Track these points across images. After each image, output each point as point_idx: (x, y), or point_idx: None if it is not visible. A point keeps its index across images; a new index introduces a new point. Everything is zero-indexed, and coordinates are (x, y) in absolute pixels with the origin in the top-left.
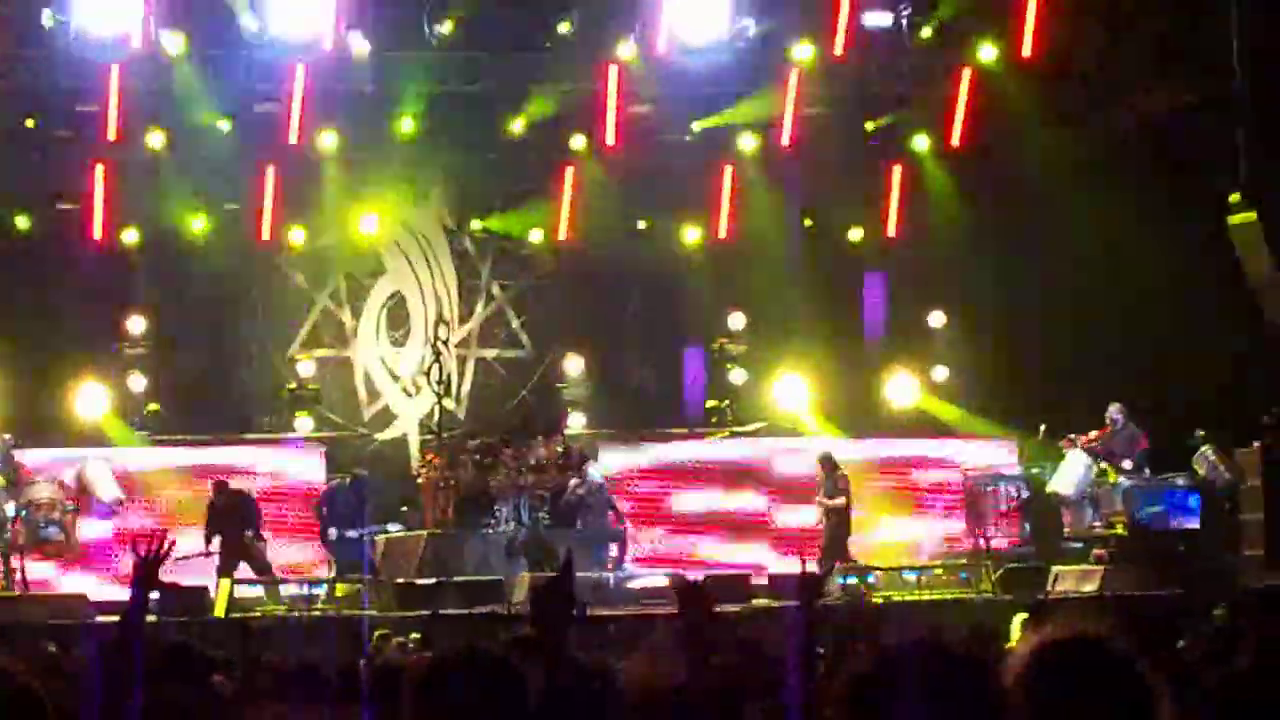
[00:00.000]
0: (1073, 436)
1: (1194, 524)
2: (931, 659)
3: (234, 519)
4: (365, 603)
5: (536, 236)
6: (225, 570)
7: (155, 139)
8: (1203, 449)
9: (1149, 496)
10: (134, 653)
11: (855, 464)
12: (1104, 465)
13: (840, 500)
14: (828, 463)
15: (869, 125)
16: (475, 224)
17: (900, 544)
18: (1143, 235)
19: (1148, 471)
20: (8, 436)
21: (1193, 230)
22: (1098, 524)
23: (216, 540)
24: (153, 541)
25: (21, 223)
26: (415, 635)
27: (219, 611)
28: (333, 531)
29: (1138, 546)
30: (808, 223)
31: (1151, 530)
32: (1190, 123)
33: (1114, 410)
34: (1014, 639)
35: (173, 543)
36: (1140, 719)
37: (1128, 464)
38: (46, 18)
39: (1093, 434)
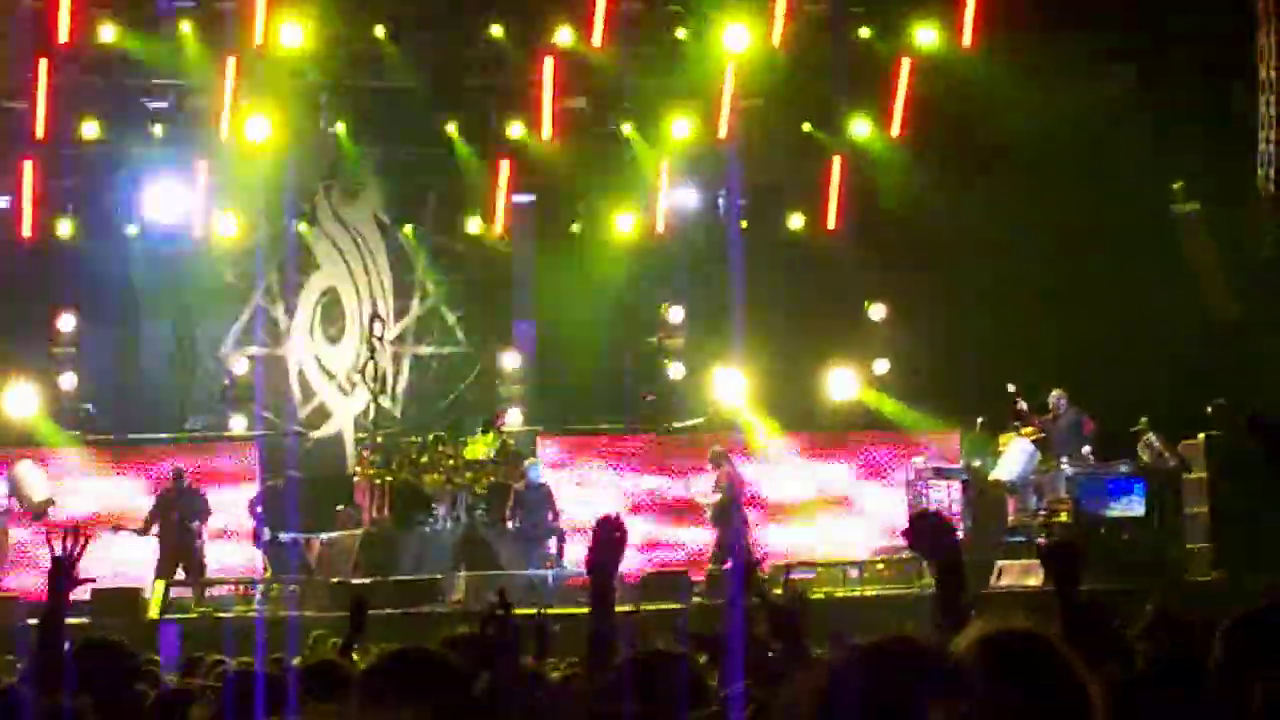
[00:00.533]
0: (1016, 424)
1: (1138, 510)
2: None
3: (183, 510)
4: (295, 604)
5: (471, 232)
6: (163, 571)
7: (90, 129)
8: (1146, 435)
9: (1093, 483)
10: (58, 653)
11: (795, 458)
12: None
13: (718, 497)
14: (715, 458)
15: (803, 115)
16: (407, 217)
17: (841, 539)
18: (1088, 223)
19: (1091, 458)
20: None
21: (1138, 218)
22: (1042, 511)
23: (155, 528)
24: (70, 539)
25: None
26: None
27: (153, 613)
28: (266, 532)
29: (1081, 534)
30: (744, 224)
31: (1094, 517)
32: (1135, 107)
33: (1055, 396)
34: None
35: (89, 538)
36: (1072, 715)
37: (1085, 450)
38: None
39: (1030, 428)
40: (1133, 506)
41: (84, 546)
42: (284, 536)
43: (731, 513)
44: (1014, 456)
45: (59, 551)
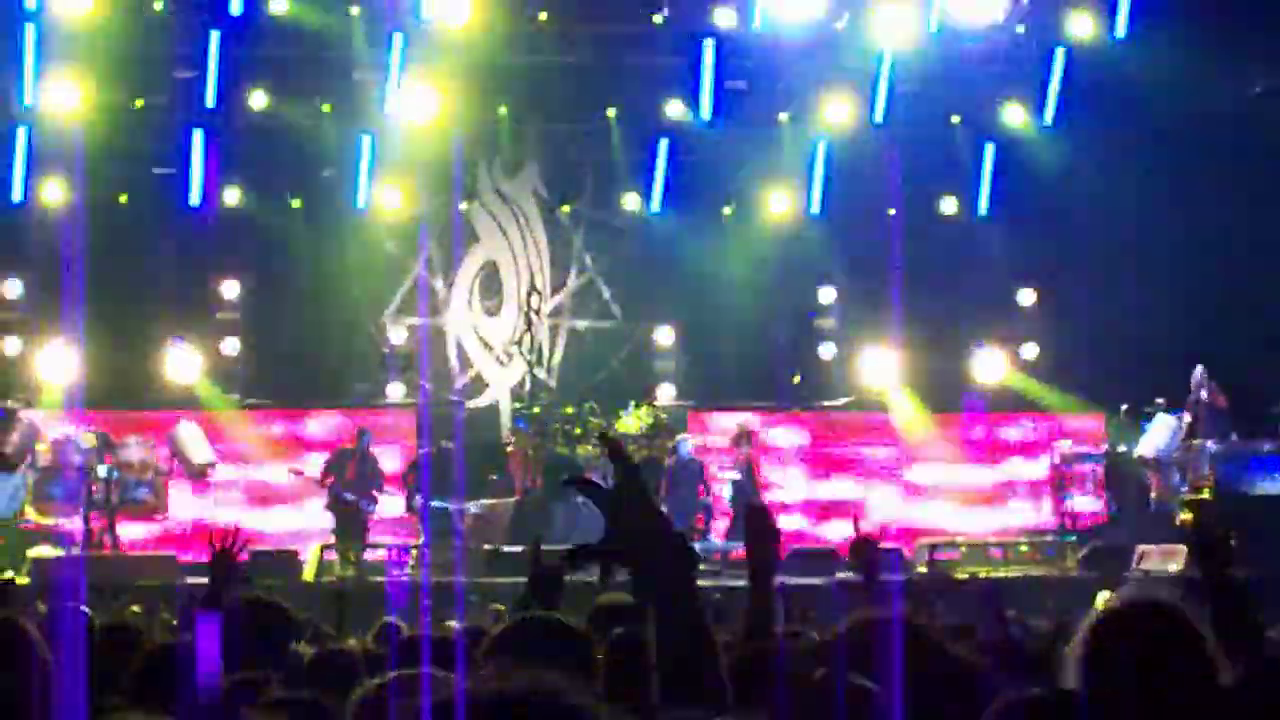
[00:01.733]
0: (1160, 401)
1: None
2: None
3: (359, 470)
4: (457, 569)
5: (629, 208)
6: (338, 533)
7: (258, 100)
8: None
9: (1236, 461)
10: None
11: (940, 439)
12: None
13: (735, 475)
14: (737, 438)
15: (957, 103)
16: (567, 193)
17: (986, 519)
18: (1242, 213)
19: (1234, 436)
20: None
21: None
22: (1184, 489)
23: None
24: (227, 538)
25: (120, 192)
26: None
27: (308, 575)
28: (419, 500)
29: (1223, 512)
30: (890, 211)
31: (1237, 495)
32: None
33: (1198, 373)
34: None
35: (246, 539)
36: (1200, 687)
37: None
38: None
39: (1186, 417)
40: (1276, 485)
41: (241, 546)
42: (438, 504)
43: (748, 494)
44: (1159, 432)
45: (216, 548)
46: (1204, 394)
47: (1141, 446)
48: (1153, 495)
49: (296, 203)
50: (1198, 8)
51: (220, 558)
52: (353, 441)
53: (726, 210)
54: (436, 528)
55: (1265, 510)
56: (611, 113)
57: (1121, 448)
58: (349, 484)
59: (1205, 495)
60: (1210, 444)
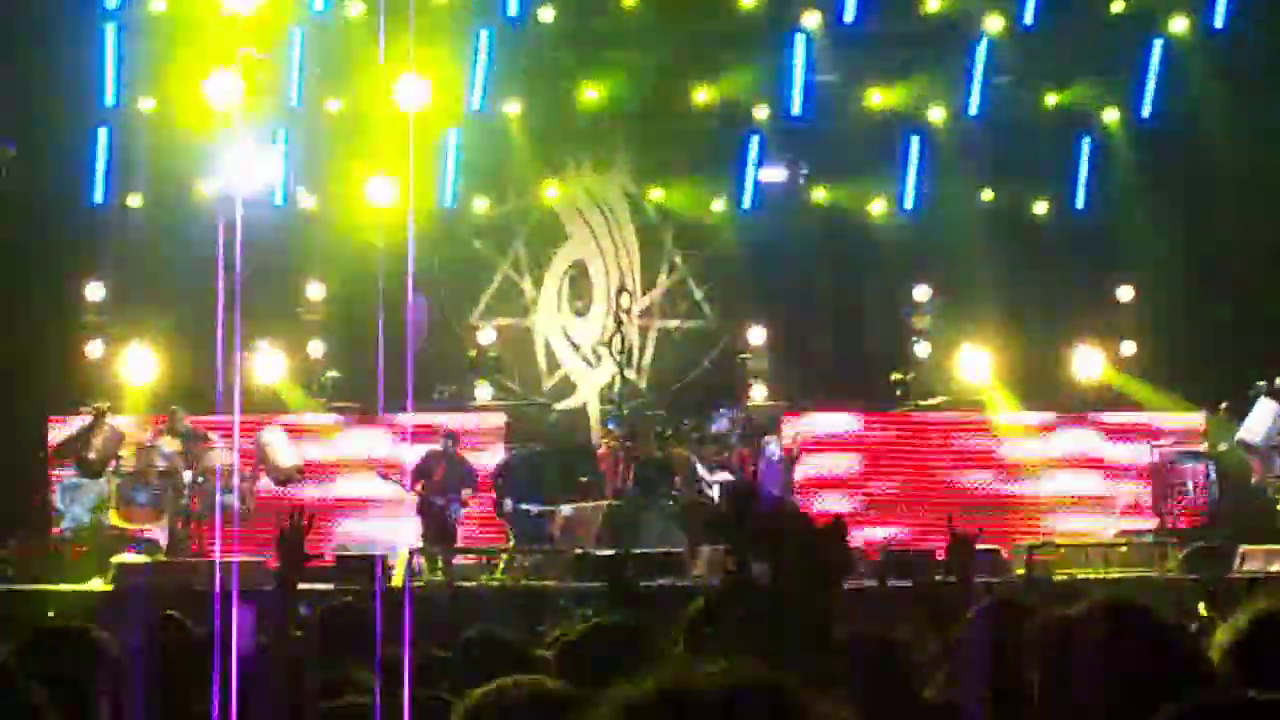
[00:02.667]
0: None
1: None
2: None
3: (447, 475)
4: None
5: (720, 207)
6: (427, 538)
7: (333, 104)
8: None
9: None
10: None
11: (1039, 438)
12: None
13: (724, 475)
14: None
15: (1053, 96)
16: (656, 191)
17: (1084, 520)
18: None
19: None
20: (176, 408)
21: None
22: None
23: (418, 487)
24: (297, 518)
25: (202, 188)
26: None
27: (397, 581)
28: (508, 503)
29: None
30: (988, 195)
31: None
32: None
33: None
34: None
35: (314, 516)
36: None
37: None
38: None
39: None
40: None
41: (310, 525)
42: (526, 506)
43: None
44: (1259, 417)
45: (286, 528)
46: None
47: (1243, 431)
48: (1253, 480)
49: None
50: None
51: (289, 541)
52: (439, 445)
53: (820, 207)
54: (526, 531)
55: None
56: (701, 108)
57: (1222, 446)
58: (436, 486)
59: None
60: None
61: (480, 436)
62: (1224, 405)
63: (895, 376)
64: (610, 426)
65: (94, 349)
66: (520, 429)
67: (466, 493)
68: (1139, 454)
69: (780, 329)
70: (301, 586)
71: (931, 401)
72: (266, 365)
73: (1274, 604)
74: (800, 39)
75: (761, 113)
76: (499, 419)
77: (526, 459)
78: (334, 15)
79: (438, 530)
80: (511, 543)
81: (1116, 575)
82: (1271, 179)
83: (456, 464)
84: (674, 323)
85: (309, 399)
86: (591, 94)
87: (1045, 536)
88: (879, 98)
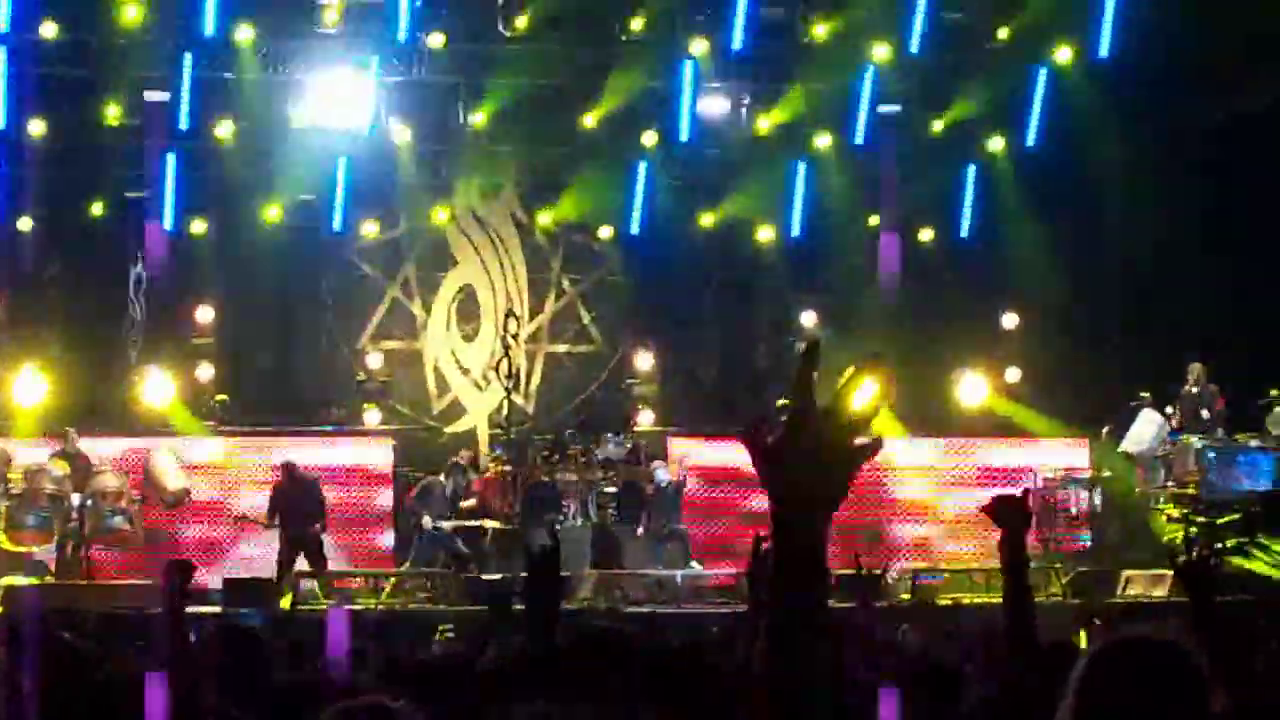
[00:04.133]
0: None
1: (1267, 486)
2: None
3: (300, 506)
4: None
5: (606, 232)
6: (286, 562)
7: (224, 129)
8: (1277, 409)
9: (1222, 457)
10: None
11: (923, 464)
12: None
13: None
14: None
15: (938, 124)
16: (544, 216)
17: (967, 545)
18: (1218, 231)
19: (1221, 432)
20: (71, 430)
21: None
22: (1170, 484)
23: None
24: (176, 574)
25: (96, 210)
26: (446, 626)
27: (285, 604)
28: (427, 521)
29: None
30: (874, 221)
31: (1223, 492)
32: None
33: (1194, 369)
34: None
35: (194, 568)
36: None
37: (1205, 414)
38: None
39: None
40: (1261, 482)
41: (188, 580)
42: (430, 526)
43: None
44: (1143, 427)
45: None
46: (1196, 389)
47: (1126, 442)
48: (1137, 491)
49: (272, 225)
50: (1177, 33)
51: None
52: (282, 477)
53: (707, 232)
54: (413, 554)
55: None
56: (590, 134)
57: (1106, 472)
58: (289, 518)
59: (1190, 490)
60: (1196, 440)
61: (368, 460)
62: (1107, 429)
63: (781, 403)
64: (497, 451)
65: None
66: (409, 452)
67: (318, 526)
68: (1023, 479)
69: (668, 354)
70: (191, 610)
71: None
72: (156, 388)
73: (1102, 644)
74: (689, 66)
75: (650, 139)
76: (387, 443)
77: (413, 483)
78: (225, 40)
79: (306, 555)
80: (412, 564)
81: (999, 600)
82: (1154, 205)
83: (303, 491)
84: (562, 347)
85: (198, 422)
86: (480, 118)
87: (930, 562)
88: (767, 124)
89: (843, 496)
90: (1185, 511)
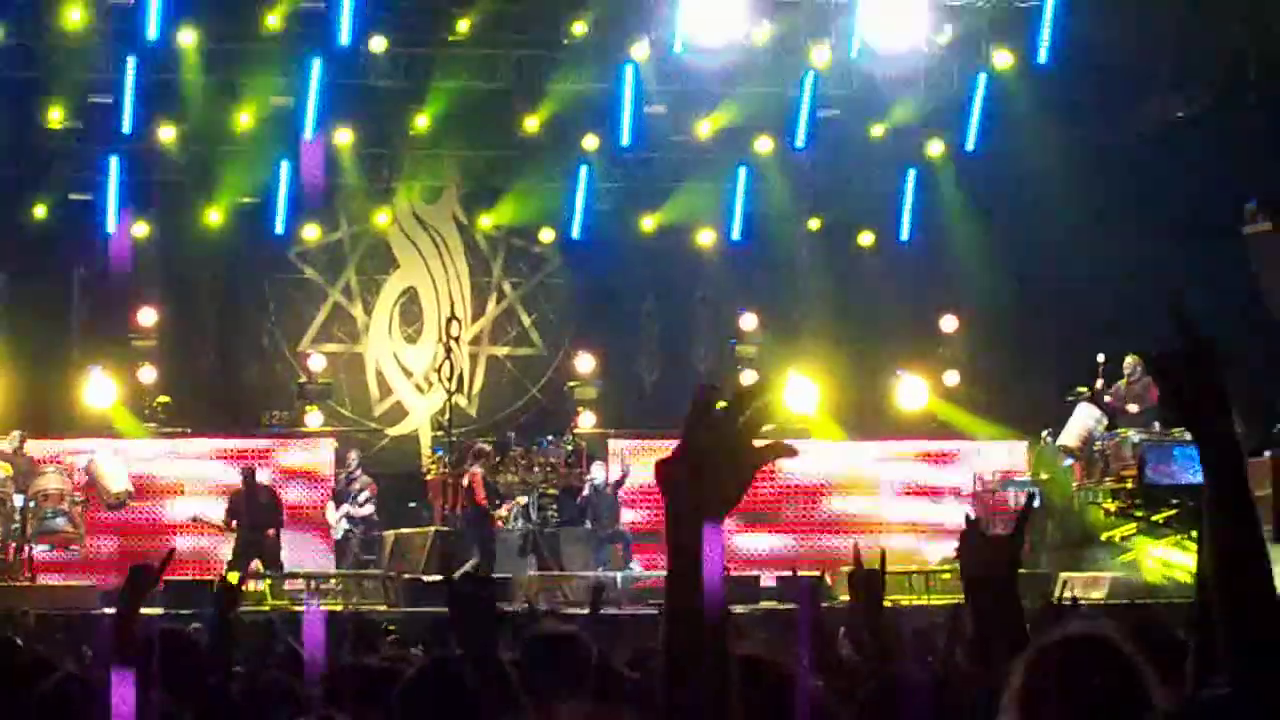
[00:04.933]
0: (1083, 390)
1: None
2: None
3: (257, 512)
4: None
5: (548, 236)
6: (237, 564)
7: (167, 132)
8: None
9: (1158, 450)
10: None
11: (862, 465)
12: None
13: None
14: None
15: (878, 129)
16: (486, 219)
17: (907, 548)
18: (1159, 238)
19: (1158, 426)
20: (17, 432)
21: (1207, 235)
22: (1108, 480)
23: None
24: (141, 579)
25: (39, 213)
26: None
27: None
28: (343, 527)
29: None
30: (814, 225)
31: (1158, 485)
32: (1211, 125)
33: (1130, 362)
34: None
35: (158, 579)
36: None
37: (1133, 408)
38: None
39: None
40: (1198, 475)
41: (162, 569)
42: (354, 530)
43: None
44: (1079, 420)
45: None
46: (1136, 385)
47: (1063, 436)
48: (1074, 486)
49: (214, 228)
50: (1117, 39)
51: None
52: (241, 484)
53: (648, 236)
54: (356, 556)
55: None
56: (531, 138)
57: (1044, 474)
58: (247, 520)
59: (1128, 485)
60: (1133, 433)
61: (311, 462)
62: (1046, 432)
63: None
64: (439, 453)
65: None
66: (350, 455)
67: (270, 532)
68: (962, 480)
69: (608, 357)
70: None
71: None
72: (99, 390)
73: (1042, 642)
74: (630, 70)
75: (591, 143)
76: (329, 444)
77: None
78: (167, 42)
79: (262, 560)
80: (340, 567)
81: (939, 602)
82: (1093, 208)
83: (260, 499)
84: (503, 350)
85: (140, 424)
86: (422, 121)
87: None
88: (708, 128)
89: (734, 503)
90: (1122, 505)
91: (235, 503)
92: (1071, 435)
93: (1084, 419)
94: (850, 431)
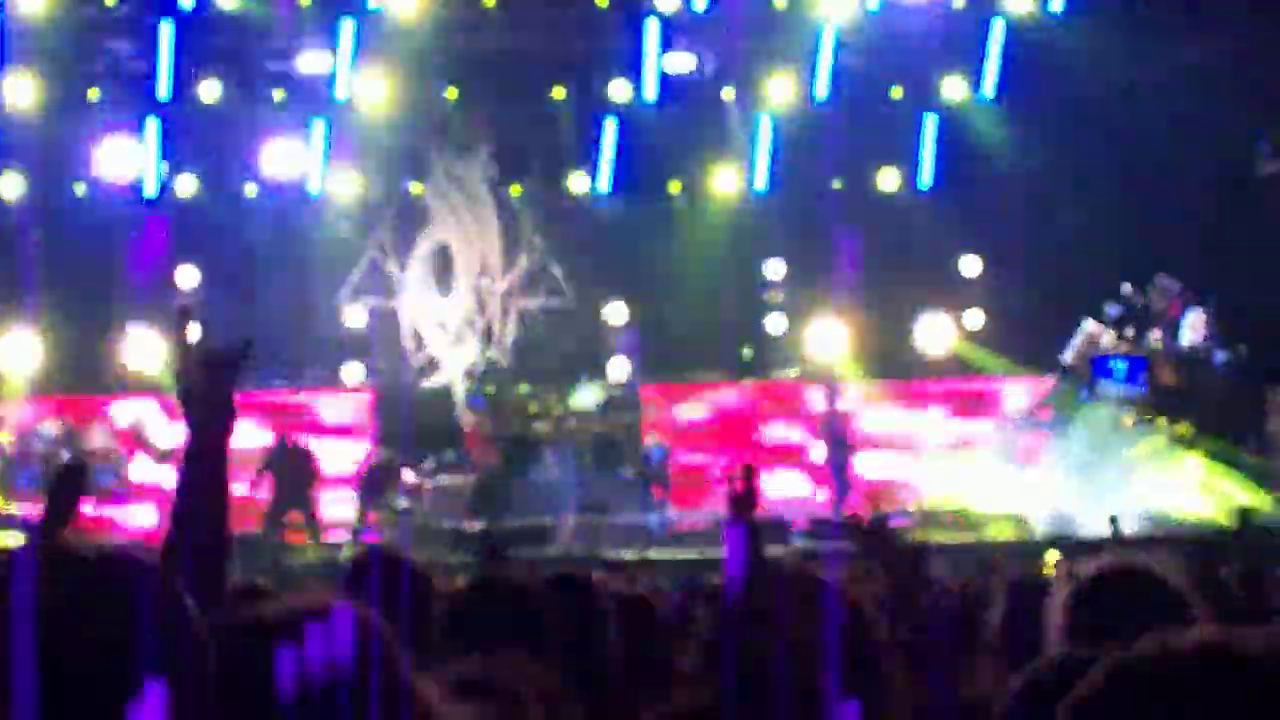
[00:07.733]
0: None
1: None
2: None
3: (290, 472)
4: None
5: (579, 187)
6: (271, 520)
7: (210, 90)
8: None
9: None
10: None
11: (891, 408)
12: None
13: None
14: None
15: (897, 80)
16: (516, 174)
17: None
18: (1184, 174)
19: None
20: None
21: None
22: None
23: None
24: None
25: (76, 180)
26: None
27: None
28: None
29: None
30: (837, 185)
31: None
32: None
33: (1161, 278)
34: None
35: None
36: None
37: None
38: None
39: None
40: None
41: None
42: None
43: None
44: (1076, 336)
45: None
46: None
47: (1066, 353)
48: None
49: (251, 189)
50: None
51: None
52: (275, 445)
53: (674, 188)
54: (396, 506)
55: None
56: (559, 95)
57: (1070, 413)
58: (290, 486)
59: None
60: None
61: (350, 416)
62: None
63: (745, 352)
64: (476, 405)
65: None
66: (388, 407)
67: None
68: (987, 419)
69: (638, 306)
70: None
71: (787, 372)
72: (143, 349)
73: (1089, 571)
74: (653, 25)
75: (619, 94)
76: (367, 399)
77: (396, 438)
78: (206, 7)
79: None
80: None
81: (972, 540)
82: (1108, 154)
83: (296, 460)
84: (535, 302)
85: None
86: (453, 81)
87: (900, 504)
88: (731, 82)
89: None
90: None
91: (269, 462)
92: (1070, 350)
93: (1081, 333)
94: (876, 373)
